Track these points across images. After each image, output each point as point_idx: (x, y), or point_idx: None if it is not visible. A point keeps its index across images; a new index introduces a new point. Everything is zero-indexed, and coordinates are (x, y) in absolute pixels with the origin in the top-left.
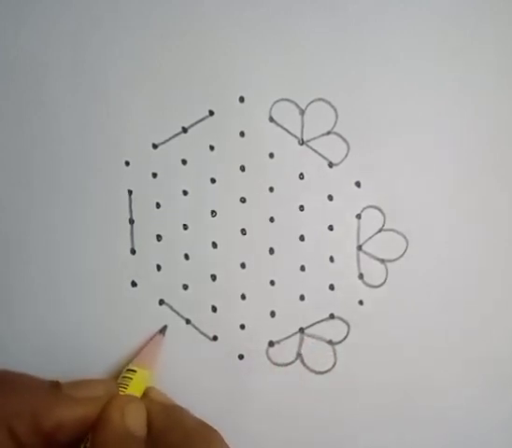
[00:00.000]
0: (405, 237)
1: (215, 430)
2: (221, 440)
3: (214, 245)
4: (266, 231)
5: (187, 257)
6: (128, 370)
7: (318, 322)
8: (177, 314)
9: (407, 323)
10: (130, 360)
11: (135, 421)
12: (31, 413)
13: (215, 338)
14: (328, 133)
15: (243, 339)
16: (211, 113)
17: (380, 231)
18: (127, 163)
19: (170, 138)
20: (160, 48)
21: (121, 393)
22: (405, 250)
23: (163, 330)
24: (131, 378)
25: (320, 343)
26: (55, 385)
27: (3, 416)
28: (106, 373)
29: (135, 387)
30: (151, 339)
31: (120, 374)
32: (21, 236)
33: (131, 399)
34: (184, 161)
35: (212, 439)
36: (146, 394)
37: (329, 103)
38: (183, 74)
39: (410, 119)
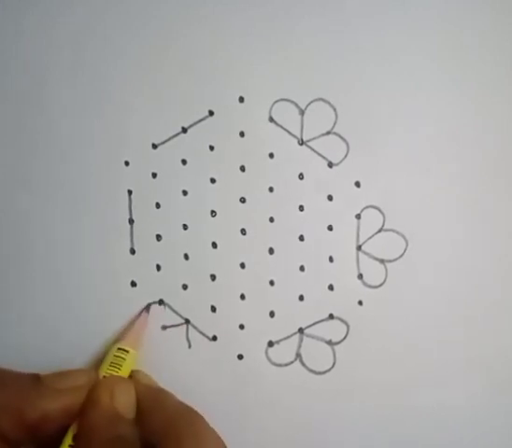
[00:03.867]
0: (404, 237)
1: (198, 413)
2: (205, 422)
3: (214, 245)
4: (266, 231)
5: (187, 257)
6: (120, 349)
7: (317, 322)
8: (177, 314)
9: (407, 323)
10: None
11: (125, 402)
12: (14, 407)
13: (214, 338)
14: (328, 133)
15: (242, 339)
16: (211, 113)
17: (380, 231)
18: (127, 163)
19: (170, 138)
20: (160, 48)
21: (115, 373)
22: (405, 250)
23: (147, 309)
24: (124, 358)
25: (319, 344)
26: (36, 378)
27: None
28: None
29: (126, 368)
30: (138, 317)
31: (110, 352)
32: (21, 236)
33: (120, 379)
34: (184, 161)
35: (195, 421)
36: (132, 376)
37: (329, 103)
38: (183, 74)
39: (410, 119)
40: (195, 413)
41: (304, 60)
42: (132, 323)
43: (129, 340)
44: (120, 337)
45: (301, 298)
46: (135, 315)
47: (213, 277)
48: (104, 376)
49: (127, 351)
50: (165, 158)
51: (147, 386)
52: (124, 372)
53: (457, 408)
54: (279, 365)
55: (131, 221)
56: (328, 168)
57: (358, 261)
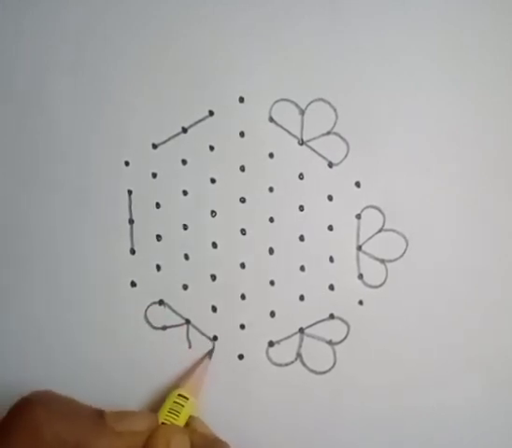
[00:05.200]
0: (404, 237)
1: None
2: None
3: (214, 245)
4: (266, 231)
5: (187, 257)
6: (180, 395)
7: (317, 322)
8: (177, 314)
9: (407, 323)
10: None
11: None
12: (76, 442)
13: (215, 338)
14: (328, 133)
15: (243, 339)
16: (211, 113)
17: (380, 231)
18: (127, 163)
19: (170, 138)
20: (160, 48)
21: (173, 420)
22: (405, 250)
23: (210, 355)
24: (183, 406)
25: (319, 344)
26: (100, 415)
27: (51, 441)
28: (105, 374)
29: (184, 415)
30: (200, 363)
31: (170, 397)
32: (21, 236)
33: (177, 430)
34: (184, 161)
35: None
36: (189, 423)
37: (329, 103)
38: (183, 74)
39: (410, 119)
40: None
41: (304, 60)
42: (193, 368)
43: (189, 386)
44: (180, 382)
45: (301, 298)
46: (196, 359)
47: (213, 277)
48: (162, 423)
49: (187, 398)
50: (165, 158)
51: (203, 436)
52: (182, 419)
53: (457, 408)
54: (280, 365)
55: (131, 221)
56: (328, 168)
57: (358, 261)
